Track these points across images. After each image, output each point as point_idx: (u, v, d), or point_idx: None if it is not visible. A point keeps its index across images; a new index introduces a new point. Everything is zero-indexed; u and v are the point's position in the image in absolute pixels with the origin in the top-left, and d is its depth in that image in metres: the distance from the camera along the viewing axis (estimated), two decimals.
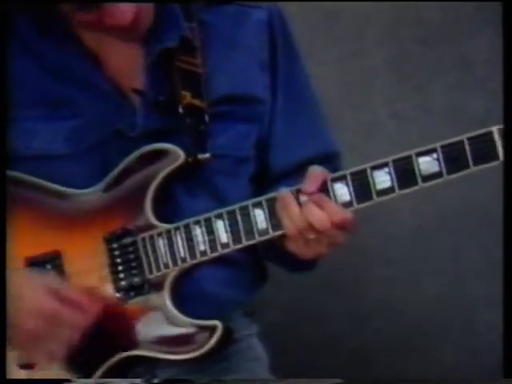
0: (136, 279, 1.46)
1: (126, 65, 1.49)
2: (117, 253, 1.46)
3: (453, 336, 2.39)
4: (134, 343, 1.45)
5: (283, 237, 1.42)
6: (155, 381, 1.47)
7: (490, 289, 2.27)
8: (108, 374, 1.45)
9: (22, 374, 1.44)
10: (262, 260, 1.58)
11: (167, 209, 1.47)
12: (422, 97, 2.40)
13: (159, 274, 1.45)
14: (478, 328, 2.39)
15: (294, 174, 1.52)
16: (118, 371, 1.45)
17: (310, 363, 2.29)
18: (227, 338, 1.44)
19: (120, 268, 1.46)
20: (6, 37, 1.45)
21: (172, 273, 1.45)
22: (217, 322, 1.43)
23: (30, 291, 1.40)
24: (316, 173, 1.40)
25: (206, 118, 1.47)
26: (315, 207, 1.36)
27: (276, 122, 1.54)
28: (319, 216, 1.36)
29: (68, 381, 1.44)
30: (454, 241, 2.39)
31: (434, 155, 1.36)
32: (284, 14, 1.57)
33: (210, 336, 1.42)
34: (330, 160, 1.57)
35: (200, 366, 1.47)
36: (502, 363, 1.37)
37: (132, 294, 1.45)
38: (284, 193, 1.40)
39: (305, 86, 1.58)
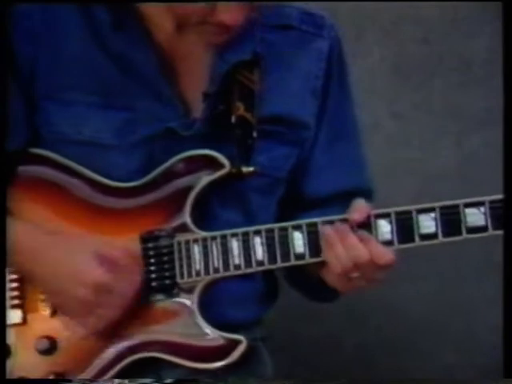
0: (167, 282, 1.46)
1: (195, 69, 1.49)
2: (151, 253, 1.47)
3: (453, 336, 2.41)
4: (154, 344, 1.46)
5: (321, 267, 1.43)
6: (168, 381, 1.48)
7: (489, 288, 2.30)
8: (123, 372, 1.46)
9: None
10: (275, 279, 1.58)
11: (202, 213, 1.48)
12: (422, 96, 2.40)
13: (190, 280, 1.46)
14: (478, 328, 2.41)
15: (323, 205, 1.54)
16: (133, 371, 1.46)
17: (309, 363, 2.32)
18: (248, 353, 1.45)
19: (152, 268, 1.47)
20: (6, 37, 1.44)
21: (203, 281, 1.46)
22: (241, 337, 1.45)
23: (78, 257, 1.42)
24: (361, 204, 1.41)
25: (254, 133, 1.48)
26: (361, 246, 1.37)
27: (316, 150, 1.56)
28: (365, 257, 1.37)
29: (68, 381, 1.44)
30: (454, 240, 2.39)
31: (482, 209, 1.37)
32: (343, 45, 1.58)
33: (233, 349, 1.44)
34: (362, 196, 1.55)
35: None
36: (502, 363, 1.39)
37: (161, 295, 1.46)
38: (327, 230, 1.40)
39: (350, 118, 1.60)
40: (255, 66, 1.48)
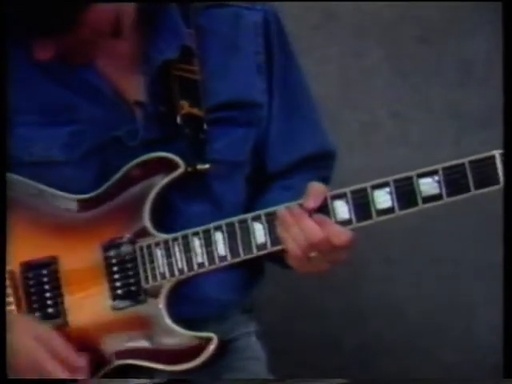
0: (132, 288, 1.46)
1: (126, 74, 1.47)
2: (114, 261, 1.46)
3: (452, 335, 2.39)
4: (128, 352, 1.45)
5: (282, 252, 1.42)
6: (157, 381, 1.47)
7: (489, 288, 2.27)
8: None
9: None
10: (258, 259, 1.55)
11: (164, 214, 1.47)
12: (422, 96, 2.39)
13: (155, 283, 1.45)
14: (478, 327, 2.39)
15: (289, 172, 1.54)
16: (114, 377, 1.45)
17: (308, 362, 2.29)
18: (222, 349, 1.44)
19: (116, 276, 1.46)
20: (6, 38, 1.41)
21: (168, 283, 1.45)
22: (212, 334, 1.43)
23: (21, 336, 1.42)
24: (316, 189, 1.40)
25: (205, 126, 1.47)
26: (316, 227, 1.37)
27: (272, 123, 1.54)
28: (320, 237, 1.36)
29: (73, 381, 1.43)
30: (453, 240, 2.38)
31: (436, 177, 1.36)
32: (279, 14, 1.55)
33: (205, 347, 1.43)
34: (325, 159, 1.59)
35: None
36: (502, 363, 1.37)
37: (128, 302, 1.45)
38: (284, 213, 1.39)
39: (300, 85, 1.58)
40: (191, 57, 1.46)
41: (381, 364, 2.37)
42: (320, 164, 1.58)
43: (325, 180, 1.48)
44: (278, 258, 1.45)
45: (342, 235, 1.36)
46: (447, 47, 2.37)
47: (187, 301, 1.46)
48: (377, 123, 2.38)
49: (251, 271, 1.56)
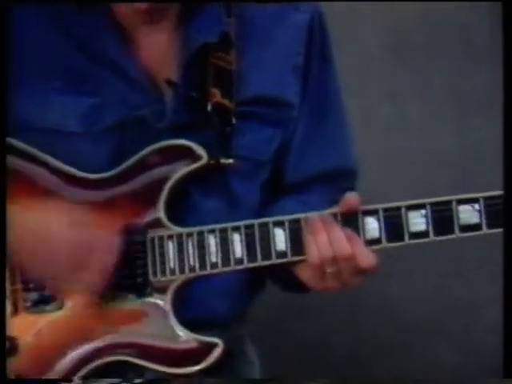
0: (138, 280, 1.38)
1: (161, 54, 1.41)
2: (122, 249, 1.37)
3: (451, 335, 2.33)
4: (126, 348, 1.37)
5: (298, 262, 1.35)
6: (137, 381, 1.40)
7: (489, 286, 2.22)
8: (95, 373, 1.37)
9: None
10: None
11: (177, 206, 1.40)
12: (421, 79, 2.29)
13: (164, 278, 1.38)
14: (478, 327, 2.32)
15: (307, 186, 1.48)
16: (99, 375, 1.38)
17: (300, 362, 2.23)
18: (225, 357, 1.37)
19: (123, 266, 1.37)
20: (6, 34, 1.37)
21: (177, 280, 1.38)
22: (217, 340, 1.36)
23: (55, 223, 1.34)
24: (351, 198, 1.33)
25: (233, 119, 1.41)
26: (346, 242, 1.30)
27: (298, 129, 1.48)
28: (348, 253, 1.30)
29: (69, 381, 1.37)
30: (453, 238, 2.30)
31: (476, 206, 1.29)
32: (325, 18, 1.50)
33: (209, 353, 1.36)
34: (346, 177, 1.52)
35: None
36: (502, 363, 1.34)
37: (132, 295, 1.38)
38: (314, 218, 1.33)
39: (333, 95, 1.53)
40: (229, 46, 1.40)
41: (376, 365, 2.31)
42: (340, 182, 1.51)
43: None
44: (287, 273, 1.39)
45: (368, 259, 1.30)
46: (447, 27, 2.28)
47: (182, 303, 1.39)
48: (373, 107, 2.28)
49: (253, 281, 1.49)
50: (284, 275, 1.42)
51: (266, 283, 1.53)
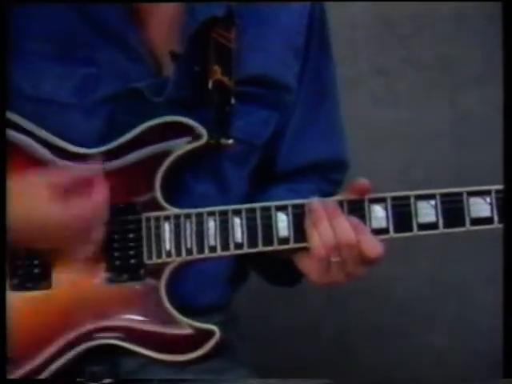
0: (132, 261, 1.32)
1: (165, 27, 1.36)
2: (116, 229, 1.32)
3: (444, 320, 2.24)
4: (117, 331, 1.31)
5: (299, 252, 1.31)
6: (107, 381, 1.34)
7: (485, 266, 2.15)
8: (76, 360, 1.31)
9: None
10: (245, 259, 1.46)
11: (171, 187, 1.35)
12: (410, 49, 2.21)
13: (159, 261, 1.32)
14: (473, 311, 2.24)
15: (298, 176, 1.44)
16: (86, 359, 1.32)
17: (286, 353, 2.17)
18: (221, 345, 1.32)
19: (116, 245, 1.32)
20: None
21: (173, 263, 1.32)
22: (214, 328, 1.31)
23: (42, 196, 1.27)
24: (362, 184, 1.29)
25: (232, 99, 1.36)
26: (350, 229, 1.26)
27: (294, 116, 1.45)
28: (351, 240, 1.26)
29: (71, 381, 1.32)
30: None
31: (487, 199, 1.26)
32: (325, 10, 1.47)
33: (205, 341, 1.30)
34: (337, 169, 1.49)
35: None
36: (502, 363, 1.32)
37: (124, 276, 1.32)
38: (317, 205, 1.28)
39: (330, 81, 1.49)
40: (231, 23, 1.36)
41: (364, 354, 2.23)
42: (333, 173, 1.49)
43: (332, 193, 1.36)
44: (279, 259, 1.34)
45: (375, 246, 1.26)
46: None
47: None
48: (359, 80, 2.20)
49: (238, 271, 1.46)
50: (277, 268, 1.38)
51: (249, 274, 1.49)
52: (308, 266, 1.31)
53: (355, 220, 1.28)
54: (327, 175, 1.48)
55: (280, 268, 1.39)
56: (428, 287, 2.22)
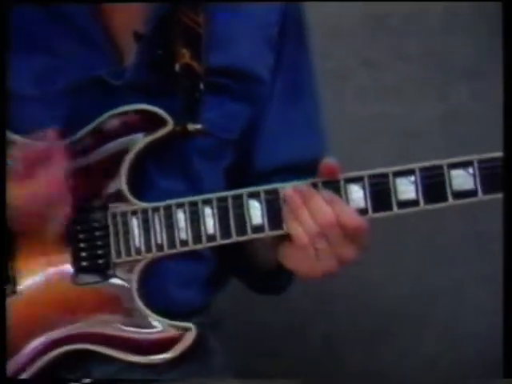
0: (100, 261, 1.27)
1: (130, 14, 1.30)
2: (81, 227, 1.26)
3: (435, 323, 2.18)
4: (88, 336, 1.26)
5: (281, 246, 1.25)
6: (86, 381, 1.29)
7: (476, 266, 2.07)
8: (47, 367, 1.26)
9: None
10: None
11: (138, 183, 1.29)
12: (399, 41, 2.13)
13: (128, 258, 1.26)
14: (465, 313, 2.18)
15: (275, 176, 1.36)
16: (58, 366, 1.27)
17: (268, 355, 2.11)
18: (198, 343, 1.26)
19: (83, 245, 1.27)
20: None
21: (143, 260, 1.26)
22: (190, 324, 1.25)
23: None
24: (329, 164, 1.23)
25: (202, 85, 1.30)
26: (327, 207, 1.20)
27: (269, 111, 1.38)
28: (331, 218, 1.19)
29: (71, 381, 1.27)
30: (434, 210, 2.17)
31: (470, 170, 1.19)
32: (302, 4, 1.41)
33: (180, 339, 1.24)
34: (314, 169, 1.37)
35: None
36: (502, 363, 1.28)
37: (93, 277, 1.26)
38: (291, 192, 1.22)
39: (308, 75, 1.42)
40: (200, 7, 1.30)
41: (352, 357, 2.15)
42: (308, 174, 1.37)
43: None
44: (265, 260, 1.30)
45: (354, 219, 1.20)
46: None
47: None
48: (345, 73, 2.12)
49: (219, 272, 1.40)
50: (262, 274, 1.34)
51: (229, 277, 1.43)
52: (294, 259, 1.25)
53: (329, 194, 1.21)
54: (308, 176, 1.39)
55: (264, 274, 1.35)
56: (417, 288, 2.17)
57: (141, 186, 1.29)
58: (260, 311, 2.13)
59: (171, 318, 1.27)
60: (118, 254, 1.26)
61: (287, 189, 1.23)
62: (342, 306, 2.17)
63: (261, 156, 1.39)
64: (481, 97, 2.12)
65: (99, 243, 1.27)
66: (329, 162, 1.22)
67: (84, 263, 1.26)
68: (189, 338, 1.24)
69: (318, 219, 1.20)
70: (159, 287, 1.30)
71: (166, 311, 1.27)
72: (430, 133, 2.13)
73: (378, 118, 2.14)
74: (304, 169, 1.35)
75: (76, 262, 1.26)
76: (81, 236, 1.27)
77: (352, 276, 2.13)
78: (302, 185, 1.23)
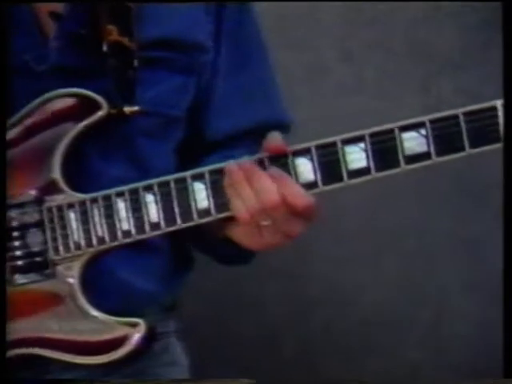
0: (37, 259, 1.20)
1: None
2: (15, 224, 1.20)
3: (417, 329, 2.12)
4: (32, 340, 1.19)
5: (226, 221, 1.20)
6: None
7: (461, 269, 2.04)
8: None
9: None
10: (186, 245, 1.35)
11: (76, 172, 1.23)
12: (379, 33, 2.11)
13: (68, 255, 1.19)
14: (449, 318, 2.12)
15: (231, 144, 1.32)
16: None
17: (239, 364, 2.03)
18: (150, 338, 1.19)
19: (17, 244, 1.20)
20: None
21: (84, 255, 1.19)
22: (138, 320, 1.18)
23: None
24: (273, 139, 1.18)
25: (135, 62, 1.23)
26: (272, 187, 1.14)
27: (216, 79, 1.32)
28: (275, 199, 1.14)
29: (72, 381, 1.22)
30: (419, 211, 2.10)
31: (422, 131, 1.13)
32: None
33: (130, 336, 1.17)
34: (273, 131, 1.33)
35: (104, 371, 1.22)
36: (502, 363, 1.24)
37: (31, 277, 1.20)
38: (232, 167, 1.16)
39: (254, 40, 1.36)
40: None
41: (328, 366, 2.10)
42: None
43: None
44: (216, 233, 1.23)
45: (301, 197, 1.14)
46: None
47: (96, 288, 1.22)
48: (324, 67, 2.09)
49: (177, 260, 1.34)
50: (213, 242, 1.26)
51: (192, 266, 1.36)
52: (238, 233, 1.20)
53: (276, 171, 1.15)
54: (263, 139, 1.34)
55: (218, 244, 1.27)
56: (399, 294, 2.11)
57: (84, 176, 1.23)
58: (232, 318, 2.07)
59: (131, 312, 1.20)
60: (56, 251, 1.19)
61: (231, 165, 1.17)
62: (317, 313, 2.12)
63: (214, 127, 1.33)
64: (464, 90, 2.10)
65: (35, 240, 1.20)
66: (273, 139, 1.17)
67: (20, 262, 1.19)
68: (138, 334, 1.17)
69: (261, 198, 1.15)
70: (113, 281, 1.24)
71: (124, 306, 1.22)
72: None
73: (357, 112, 2.09)
74: (260, 132, 1.28)
75: (12, 261, 1.19)
76: (15, 234, 1.19)
77: (327, 280, 2.08)
78: (246, 161, 1.16)
